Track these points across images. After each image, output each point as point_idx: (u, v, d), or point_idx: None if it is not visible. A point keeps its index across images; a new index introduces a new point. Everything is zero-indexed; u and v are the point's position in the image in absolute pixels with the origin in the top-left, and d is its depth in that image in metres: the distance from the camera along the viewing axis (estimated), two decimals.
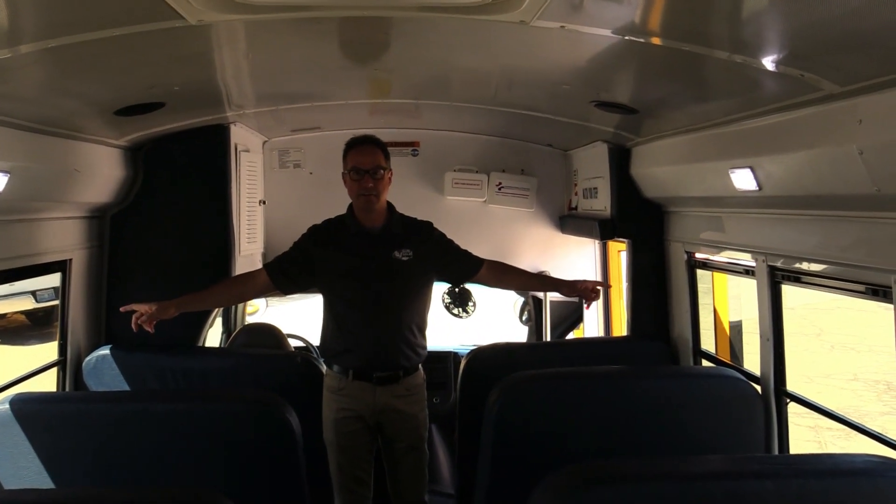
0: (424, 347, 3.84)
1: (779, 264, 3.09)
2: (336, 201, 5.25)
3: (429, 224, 3.94)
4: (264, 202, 4.91)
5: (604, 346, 4.36)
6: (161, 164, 4.13)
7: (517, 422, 3.15)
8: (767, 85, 2.48)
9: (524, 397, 3.14)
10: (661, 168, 3.90)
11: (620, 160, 4.23)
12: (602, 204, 4.50)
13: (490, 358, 4.08)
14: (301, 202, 5.21)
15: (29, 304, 12.52)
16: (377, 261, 3.68)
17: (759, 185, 2.86)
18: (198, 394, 3.34)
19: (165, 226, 4.15)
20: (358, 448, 3.71)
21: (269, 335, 4.27)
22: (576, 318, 5.59)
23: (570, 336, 5.70)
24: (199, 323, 4.18)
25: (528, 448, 3.15)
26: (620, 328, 5.32)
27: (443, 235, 3.95)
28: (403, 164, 5.26)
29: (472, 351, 4.11)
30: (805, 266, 2.92)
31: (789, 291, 3.31)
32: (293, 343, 5.39)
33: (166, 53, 2.67)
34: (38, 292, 12.21)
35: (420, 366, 3.85)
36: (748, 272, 3.35)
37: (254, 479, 3.04)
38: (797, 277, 3.00)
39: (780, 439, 3.12)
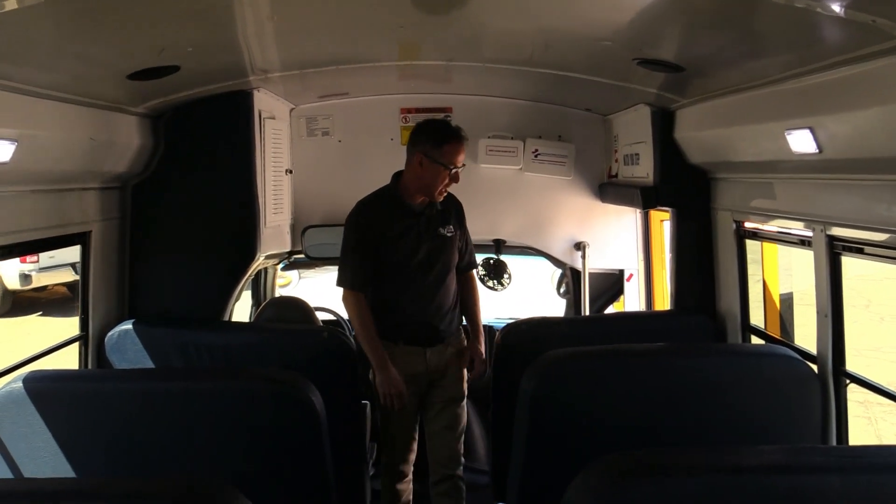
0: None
1: (839, 234, 2.84)
2: (365, 169, 5.09)
3: (454, 197, 4.02)
4: (291, 171, 4.75)
5: (645, 320, 4.14)
6: (183, 132, 3.97)
7: (553, 402, 2.96)
8: (832, 33, 2.23)
9: (560, 376, 2.95)
10: (707, 131, 3.65)
11: (664, 124, 3.98)
12: (644, 171, 4.25)
13: (525, 333, 3.89)
14: (330, 171, 5.04)
15: (70, 275, 12.64)
16: (429, 237, 3.85)
17: (819, 147, 2.60)
18: (217, 372, 3.20)
19: (188, 196, 4.00)
20: (407, 410, 3.84)
21: (296, 309, 4.13)
22: (616, 291, 5.37)
23: (610, 310, 5.48)
24: (223, 296, 4.05)
25: (565, 430, 2.96)
26: (663, 302, 5.09)
27: (463, 210, 4.09)
28: None
29: (507, 326, 3.92)
30: (869, 236, 2.67)
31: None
32: (323, 316, 5.26)
33: (174, 10, 2.49)
34: (76, 264, 12.32)
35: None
36: (804, 243, 3.10)
37: (276, 462, 2.90)
38: (860, 249, 2.75)
39: (839, 424, 2.89)
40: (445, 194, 3.87)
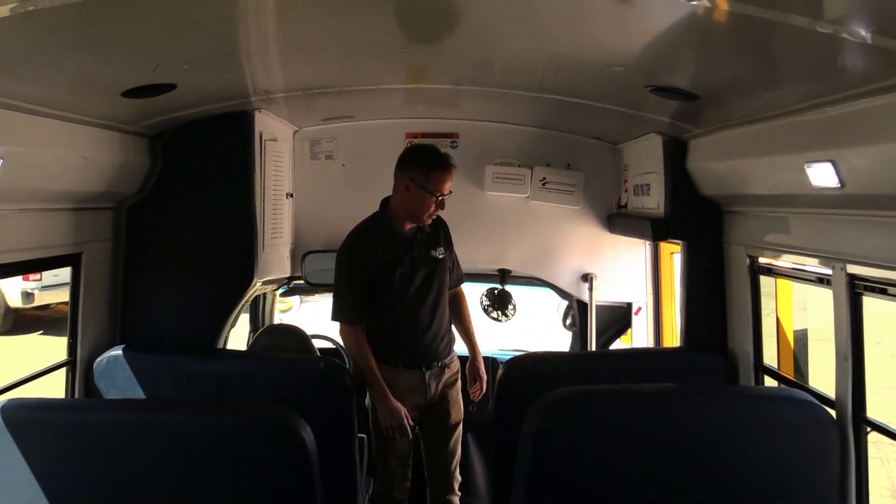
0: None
1: (860, 272, 2.70)
2: (368, 194, 4.95)
3: (440, 217, 4.03)
4: (292, 195, 4.64)
5: (654, 357, 3.99)
6: (181, 153, 3.87)
7: (556, 443, 2.82)
8: (858, 62, 2.11)
9: (565, 415, 2.81)
10: (721, 162, 3.53)
11: (676, 153, 3.86)
12: (654, 202, 4.13)
13: (529, 368, 3.75)
14: (332, 195, 4.93)
15: None
16: (423, 261, 3.87)
17: (841, 181, 2.47)
18: (204, 405, 3.06)
19: (184, 219, 3.89)
20: (405, 438, 3.84)
21: (293, 337, 3.99)
22: (624, 324, 5.22)
23: (617, 344, 5.33)
24: (218, 322, 3.92)
25: (568, 472, 2.81)
26: (672, 336, 4.94)
27: (448, 229, 4.13)
28: None
29: (510, 360, 3.78)
30: (893, 276, 2.53)
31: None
32: (321, 344, 5.13)
33: (171, 24, 2.38)
34: None
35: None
36: (822, 281, 2.96)
37: (264, 499, 2.76)
38: (882, 289, 2.61)
39: (859, 474, 2.73)
40: (433, 219, 3.89)
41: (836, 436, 2.74)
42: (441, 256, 3.94)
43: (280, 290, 5.35)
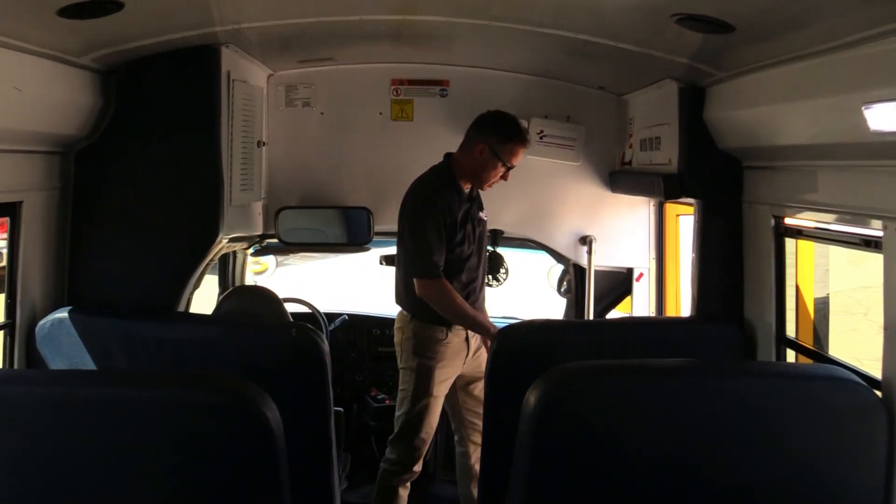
0: None
1: None
2: (350, 145, 4.55)
3: None
4: (264, 144, 4.19)
5: (663, 328, 3.62)
6: (137, 92, 3.42)
7: (564, 423, 2.44)
8: None
9: (574, 393, 2.42)
10: (747, 110, 3.13)
11: (693, 103, 3.46)
12: (666, 156, 3.73)
13: (525, 338, 3.37)
14: (310, 146, 4.51)
15: None
16: (477, 222, 4.01)
17: None
18: (152, 378, 2.65)
19: (141, 167, 3.45)
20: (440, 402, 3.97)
21: (262, 300, 3.58)
22: (623, 291, 4.86)
23: (614, 313, 4.97)
24: (178, 283, 3.50)
25: (577, 456, 2.44)
26: (676, 305, 4.58)
27: None
28: (430, 106, 4.55)
29: (504, 329, 3.39)
30: None
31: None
32: (295, 309, 4.74)
33: None
34: None
35: None
36: (869, 244, 2.59)
37: (222, 483, 2.37)
38: None
39: None
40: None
41: (885, 421, 2.38)
42: (486, 218, 4.09)
43: (252, 250, 4.91)
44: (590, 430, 2.41)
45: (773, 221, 3.21)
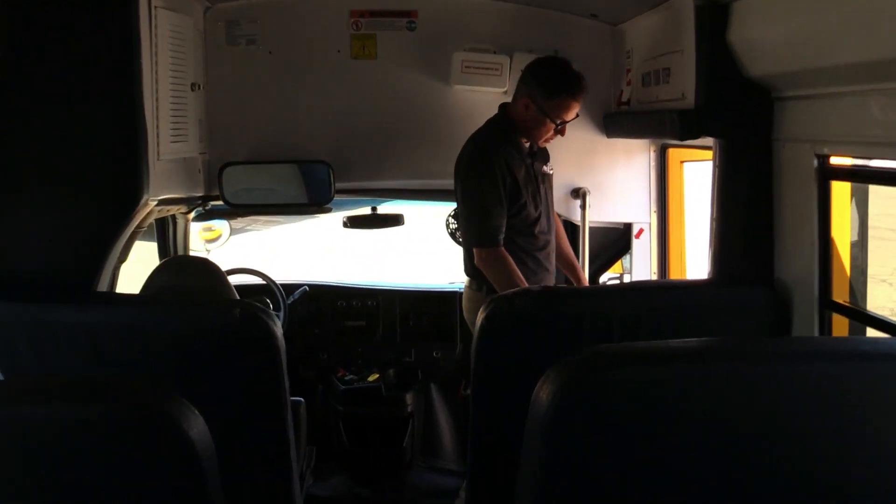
0: None
1: None
2: (305, 90, 3.90)
3: None
4: (199, 87, 3.53)
5: (679, 293, 3.05)
6: (34, 21, 2.76)
7: (586, 428, 1.87)
8: None
9: (598, 389, 1.85)
10: (784, 25, 2.55)
11: (713, 22, 2.87)
12: (678, 90, 3.16)
13: (520, 308, 2.79)
14: (258, 91, 3.89)
15: None
16: (542, 178, 3.62)
17: None
18: (45, 384, 2.04)
19: (44, 114, 2.80)
20: None
21: (201, 273, 2.97)
22: (618, 250, 4.31)
23: (609, 275, 4.42)
24: (95, 256, 2.87)
25: (603, 469, 1.88)
26: (680, 265, 4.05)
27: None
28: (395, 42, 3.93)
29: (495, 298, 2.81)
30: None
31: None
32: (248, 280, 4.15)
33: None
34: None
35: None
36: None
37: None
38: None
39: None
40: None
41: None
42: (551, 172, 3.69)
43: (193, 214, 4.27)
44: (620, 433, 1.85)
45: (815, 161, 2.65)
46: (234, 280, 4.66)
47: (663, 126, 3.18)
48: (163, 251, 4.27)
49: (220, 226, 5.99)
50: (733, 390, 1.88)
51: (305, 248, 13.62)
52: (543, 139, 3.53)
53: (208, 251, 5.23)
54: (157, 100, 2.99)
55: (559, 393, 1.81)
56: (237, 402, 2.62)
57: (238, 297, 3.02)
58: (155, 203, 3.07)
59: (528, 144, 3.57)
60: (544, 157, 3.67)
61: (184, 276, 2.93)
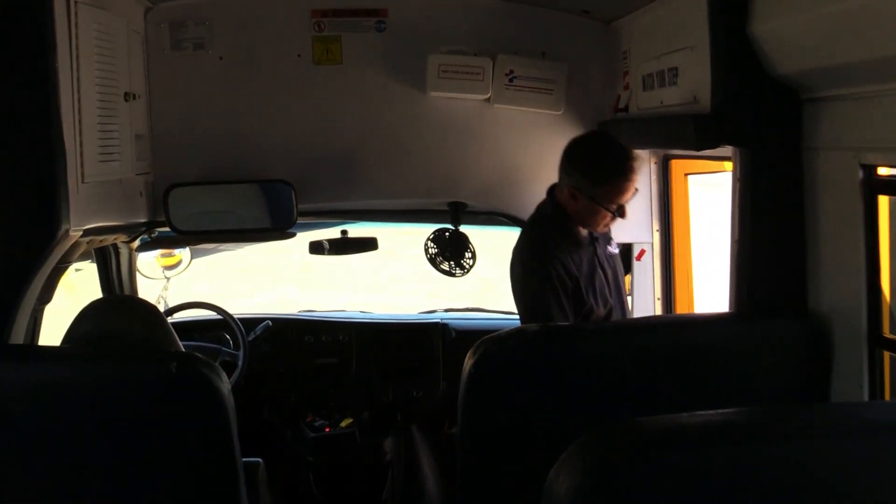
0: None
1: None
2: (261, 100, 3.44)
3: None
4: (135, 97, 3.06)
5: (696, 330, 2.61)
6: None
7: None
8: None
9: (630, 481, 1.41)
10: (819, 11, 2.14)
11: (731, 14, 2.46)
12: (687, 92, 2.74)
13: (516, 350, 2.35)
14: (207, 101, 3.46)
15: None
16: (606, 264, 3.17)
17: None
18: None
19: None
20: None
21: (134, 316, 2.49)
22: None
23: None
24: (5, 302, 2.40)
25: None
26: (687, 291, 3.63)
27: None
28: (363, 44, 3.50)
29: (486, 340, 2.35)
30: None
31: None
32: (198, 316, 3.70)
33: None
34: None
35: None
36: None
37: None
38: None
39: None
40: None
41: None
42: (617, 251, 3.28)
43: (138, 242, 3.79)
44: None
45: (861, 173, 2.23)
46: (187, 315, 4.22)
47: (673, 134, 2.76)
48: (105, 286, 3.79)
49: (180, 250, 5.47)
50: (796, 472, 1.45)
51: (282, 268, 13.11)
52: (602, 225, 3.06)
53: (167, 279, 4.76)
54: (78, 111, 2.53)
55: (582, 487, 1.37)
56: (177, 473, 2.17)
57: (179, 344, 2.56)
58: (80, 234, 2.60)
59: (586, 231, 3.12)
60: (606, 236, 3.22)
61: (113, 320, 2.46)
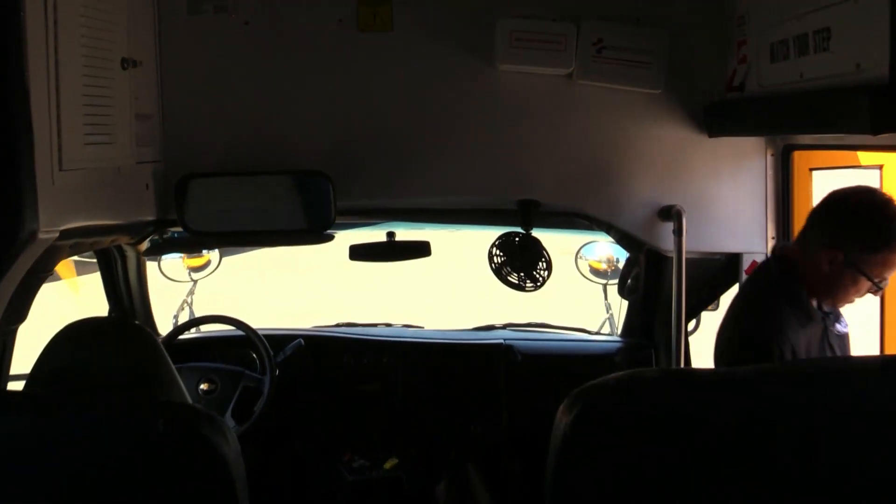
0: None
1: None
2: (293, 71, 2.86)
3: None
4: (134, 63, 2.46)
5: (862, 380, 1.93)
6: None
7: None
8: None
9: None
10: None
11: None
12: (848, 59, 2.07)
13: (636, 404, 1.70)
14: (231, 75, 2.87)
15: None
16: (836, 343, 2.71)
17: None
18: None
19: None
20: None
21: (119, 345, 1.91)
22: (713, 289, 3.21)
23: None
24: None
25: None
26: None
27: None
28: (418, 7, 2.90)
29: (588, 390, 1.70)
30: None
31: None
32: (219, 332, 3.16)
33: None
34: None
35: None
36: None
37: None
38: None
39: None
40: None
41: None
42: (847, 329, 2.76)
43: (147, 244, 3.21)
44: None
45: None
46: (208, 330, 3.66)
47: (828, 115, 2.10)
48: (111, 296, 3.23)
49: (210, 252, 4.85)
50: None
51: (326, 269, 12.53)
52: (849, 300, 2.61)
53: (194, 281, 4.21)
54: (56, 79, 1.95)
55: None
56: None
57: (180, 384, 1.97)
58: (56, 236, 2.03)
59: (816, 303, 2.66)
60: (837, 311, 2.72)
61: (89, 353, 1.87)
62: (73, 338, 1.89)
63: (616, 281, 3.61)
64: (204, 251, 4.38)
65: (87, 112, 2.11)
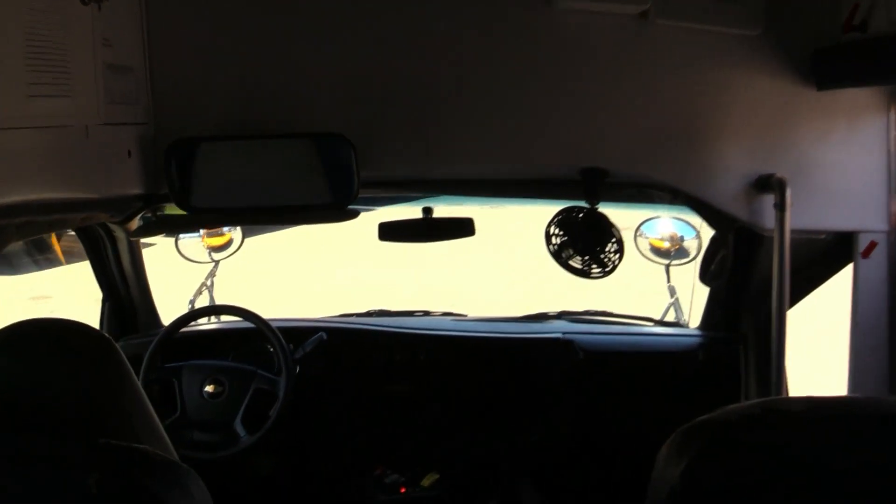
0: None
1: None
2: (300, 16, 2.34)
3: None
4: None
5: None
6: None
7: None
8: None
9: None
10: None
11: None
12: None
13: (774, 448, 1.21)
14: (231, 19, 2.37)
15: None
16: None
17: None
18: None
19: None
20: None
21: (57, 363, 1.44)
22: (818, 273, 2.69)
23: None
24: None
25: None
26: None
27: None
28: None
29: (703, 428, 1.21)
30: None
31: None
32: (232, 324, 2.75)
33: None
34: None
35: None
36: None
37: None
38: None
39: None
40: None
41: None
42: None
43: (137, 222, 2.75)
44: None
45: None
46: (223, 321, 3.26)
47: None
48: (103, 283, 2.79)
49: (229, 228, 4.39)
50: None
51: (357, 245, 12.11)
52: None
53: (215, 262, 3.82)
54: None
55: None
56: None
57: (151, 410, 1.50)
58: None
59: None
60: None
61: (24, 364, 1.41)
62: (12, 347, 1.43)
63: (680, 261, 3.36)
64: (225, 229, 3.95)
65: (30, 56, 1.64)
